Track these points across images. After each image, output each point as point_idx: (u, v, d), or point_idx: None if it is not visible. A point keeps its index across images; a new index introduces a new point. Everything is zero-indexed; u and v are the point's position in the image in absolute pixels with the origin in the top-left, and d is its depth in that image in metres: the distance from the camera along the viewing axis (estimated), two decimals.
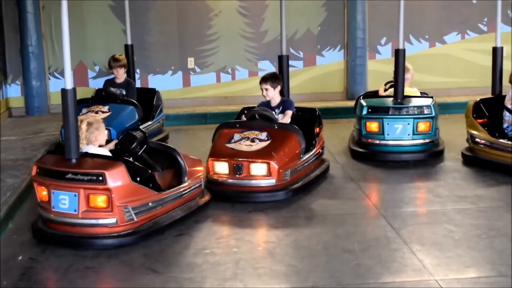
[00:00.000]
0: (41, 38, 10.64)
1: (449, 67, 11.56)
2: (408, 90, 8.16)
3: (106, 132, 5.79)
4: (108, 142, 5.93)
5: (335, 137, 8.95)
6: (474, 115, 7.44)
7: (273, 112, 6.92)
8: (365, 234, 5.47)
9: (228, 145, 6.54)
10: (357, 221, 5.79)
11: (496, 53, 7.79)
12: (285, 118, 6.92)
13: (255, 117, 6.86)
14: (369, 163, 7.68)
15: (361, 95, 8.54)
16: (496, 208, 6.03)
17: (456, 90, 11.54)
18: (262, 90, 7.05)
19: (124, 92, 8.56)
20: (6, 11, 10.50)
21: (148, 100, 8.76)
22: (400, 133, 7.61)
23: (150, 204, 5.42)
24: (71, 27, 11.08)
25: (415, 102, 7.84)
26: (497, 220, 5.71)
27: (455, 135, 9.11)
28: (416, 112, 7.64)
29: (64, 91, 5.30)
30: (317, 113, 7.23)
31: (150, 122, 8.56)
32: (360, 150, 7.86)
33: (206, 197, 6.20)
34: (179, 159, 5.94)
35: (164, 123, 9.12)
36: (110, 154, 5.57)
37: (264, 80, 7.05)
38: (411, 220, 5.75)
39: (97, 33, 10.93)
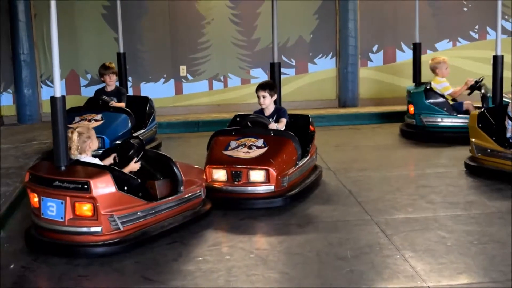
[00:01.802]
0: (33, 46, 10.63)
1: None
2: (437, 79, 9.26)
3: (97, 139, 5.75)
4: (106, 153, 5.93)
5: (328, 145, 8.96)
6: (480, 125, 7.33)
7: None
8: (357, 241, 5.47)
9: (226, 153, 6.55)
10: (349, 228, 5.79)
11: (497, 61, 7.57)
12: (280, 126, 6.93)
13: (248, 125, 6.86)
14: (361, 171, 7.72)
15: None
16: (488, 214, 6.04)
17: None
18: (258, 97, 7.04)
19: (115, 100, 8.56)
20: None
21: (140, 108, 8.77)
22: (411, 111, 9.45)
23: (139, 213, 5.38)
24: (63, 35, 11.17)
25: (416, 90, 9.48)
26: (489, 226, 5.73)
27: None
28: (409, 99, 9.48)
29: (53, 99, 5.30)
30: (309, 119, 7.26)
31: (143, 130, 8.56)
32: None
33: (206, 207, 6.16)
34: (174, 168, 5.87)
35: (157, 131, 9.12)
36: (101, 163, 5.55)
37: (262, 87, 7.04)
38: (403, 227, 5.76)
39: (89, 42, 10.93)
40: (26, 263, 5.14)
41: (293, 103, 10.90)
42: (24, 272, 4.99)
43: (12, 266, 5.08)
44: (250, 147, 6.53)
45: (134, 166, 5.69)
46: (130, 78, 10.80)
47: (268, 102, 7.04)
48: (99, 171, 5.27)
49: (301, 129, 7.11)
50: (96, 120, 8.04)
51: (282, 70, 10.87)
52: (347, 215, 6.16)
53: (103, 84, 8.76)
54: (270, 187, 6.32)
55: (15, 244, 5.56)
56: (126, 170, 5.58)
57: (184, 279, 4.81)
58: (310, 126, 7.20)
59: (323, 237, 5.58)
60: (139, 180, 5.49)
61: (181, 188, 5.81)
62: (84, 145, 5.48)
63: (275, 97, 7.10)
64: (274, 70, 7.75)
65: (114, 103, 8.45)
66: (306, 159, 6.86)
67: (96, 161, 5.55)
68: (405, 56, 11.47)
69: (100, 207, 5.13)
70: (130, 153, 5.73)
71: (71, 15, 10.80)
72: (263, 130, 6.74)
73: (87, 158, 5.50)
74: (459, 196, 6.61)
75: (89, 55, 10.91)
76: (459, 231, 5.61)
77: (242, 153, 6.49)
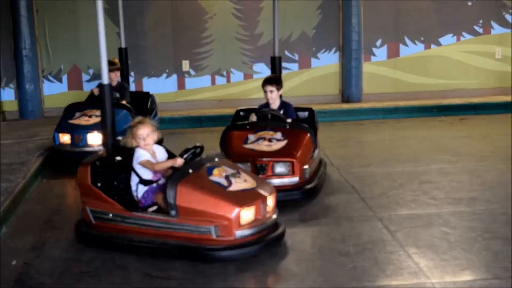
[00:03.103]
0: (35, 42, 10.62)
1: (445, 69, 11.57)
2: None
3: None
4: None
5: (331, 140, 8.95)
6: None
7: None
8: (360, 237, 5.46)
9: (247, 146, 6.53)
10: (352, 224, 5.77)
11: None
12: None
13: (266, 118, 6.85)
14: (364, 167, 7.70)
15: None
16: (491, 211, 6.02)
17: (451, 92, 11.55)
18: (266, 92, 7.02)
19: (117, 95, 8.55)
20: (0, 15, 10.47)
21: (142, 104, 8.75)
22: None
23: (110, 215, 5.30)
24: (65, 30, 11.14)
25: None
26: (492, 222, 5.71)
27: (450, 137, 9.17)
28: None
29: (101, 86, 5.59)
30: (314, 112, 7.28)
31: None
32: None
33: (215, 253, 5.01)
34: (168, 186, 5.10)
35: (159, 126, 9.09)
36: (139, 154, 5.39)
37: (269, 82, 7.04)
38: (406, 223, 5.74)
39: (91, 37, 10.87)
40: (28, 260, 5.13)
41: (296, 98, 10.85)
42: (26, 268, 4.99)
43: (14, 263, 5.08)
44: (270, 140, 6.53)
45: (175, 161, 5.33)
46: (132, 73, 10.80)
47: (275, 96, 7.05)
48: (87, 161, 5.47)
49: (306, 122, 7.12)
50: (96, 116, 8.02)
51: (285, 65, 10.92)
52: (350, 211, 6.14)
53: None
54: (295, 179, 6.31)
55: (17, 240, 5.56)
56: (169, 163, 5.36)
57: (186, 275, 4.79)
58: (315, 119, 7.20)
59: (326, 233, 5.57)
60: (116, 183, 5.39)
61: (173, 212, 5.05)
62: (138, 140, 5.42)
63: (281, 91, 7.11)
64: (275, 63, 7.73)
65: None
66: (316, 151, 6.88)
67: (139, 152, 5.39)
68: (409, 50, 11.46)
69: (80, 194, 5.49)
70: (185, 155, 5.38)
71: (72, 10, 10.79)
72: (278, 123, 6.76)
73: (138, 149, 5.44)
74: (462, 192, 6.59)
75: (91, 50, 10.87)
76: (462, 227, 5.59)
77: (264, 146, 6.48)
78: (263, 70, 11.06)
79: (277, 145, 6.48)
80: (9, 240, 5.58)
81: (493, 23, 11.54)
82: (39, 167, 7.59)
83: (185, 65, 11.14)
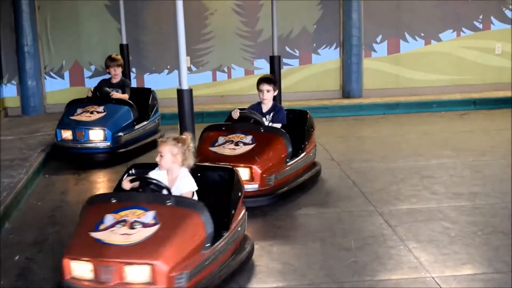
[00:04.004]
0: (37, 38, 10.63)
1: (445, 64, 11.58)
2: None
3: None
4: None
5: (332, 136, 8.96)
6: None
7: (264, 118, 6.71)
8: (361, 231, 5.48)
9: (211, 149, 6.34)
10: (353, 219, 5.79)
11: None
12: None
13: (245, 120, 6.62)
14: (365, 162, 7.72)
15: None
16: (492, 205, 6.04)
17: (452, 88, 11.56)
18: (262, 91, 6.74)
19: (119, 92, 8.57)
20: (1, 11, 10.48)
21: (143, 100, 8.76)
22: None
23: None
24: (67, 26, 11.15)
25: None
26: (493, 217, 5.73)
27: (450, 132, 9.18)
28: None
29: (180, 92, 5.50)
30: (307, 115, 7.00)
31: (145, 122, 8.57)
32: None
33: None
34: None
35: (160, 122, 9.12)
36: (154, 175, 4.74)
37: (267, 81, 6.78)
38: (407, 218, 5.76)
39: (93, 33, 10.93)
40: (30, 255, 5.16)
41: (297, 94, 10.90)
42: (29, 263, 5.01)
43: (17, 258, 5.10)
44: (237, 144, 6.32)
45: (124, 183, 4.72)
46: (134, 70, 10.82)
47: (270, 97, 6.78)
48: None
49: (298, 124, 6.87)
50: (98, 112, 8.04)
51: (286, 61, 10.93)
52: (351, 206, 6.16)
53: (109, 75, 8.76)
54: (254, 186, 6.03)
55: (20, 235, 5.58)
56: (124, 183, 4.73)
57: None
58: (308, 122, 6.92)
59: (327, 228, 5.59)
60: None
61: None
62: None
63: (276, 92, 6.87)
64: (274, 63, 7.65)
65: (116, 94, 8.45)
66: (300, 156, 6.59)
67: (156, 172, 4.74)
68: (409, 46, 11.46)
69: None
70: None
71: (74, 6, 10.79)
72: (254, 126, 6.50)
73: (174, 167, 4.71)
74: (463, 187, 6.61)
75: (93, 46, 10.91)
76: (463, 222, 5.61)
77: (228, 149, 6.26)
78: (264, 66, 11.06)
79: (241, 150, 6.23)
80: (12, 236, 5.60)
81: (493, 19, 11.55)
82: (41, 163, 7.61)
83: (186, 61, 11.13)
